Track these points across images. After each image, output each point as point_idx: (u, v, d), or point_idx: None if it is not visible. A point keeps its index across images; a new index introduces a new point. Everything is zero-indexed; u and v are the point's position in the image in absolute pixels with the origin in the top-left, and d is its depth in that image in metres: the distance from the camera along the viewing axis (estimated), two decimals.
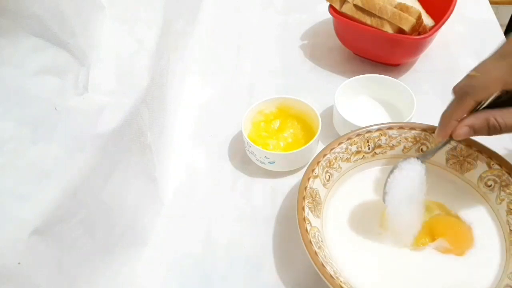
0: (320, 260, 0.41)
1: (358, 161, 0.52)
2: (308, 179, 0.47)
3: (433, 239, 0.46)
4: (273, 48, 0.74)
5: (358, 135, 0.51)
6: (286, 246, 0.50)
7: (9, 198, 0.32)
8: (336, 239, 0.46)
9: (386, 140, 0.52)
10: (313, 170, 0.48)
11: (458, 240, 0.46)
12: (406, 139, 0.51)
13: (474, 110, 0.42)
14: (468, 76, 0.42)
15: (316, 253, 0.41)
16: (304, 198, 0.45)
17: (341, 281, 0.40)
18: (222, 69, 0.72)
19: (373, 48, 0.66)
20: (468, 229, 0.47)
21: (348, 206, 0.49)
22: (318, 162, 0.49)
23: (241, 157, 0.59)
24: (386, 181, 0.45)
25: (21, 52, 0.34)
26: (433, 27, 0.63)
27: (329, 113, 0.61)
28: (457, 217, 0.47)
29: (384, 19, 0.61)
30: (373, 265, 0.45)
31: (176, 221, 0.53)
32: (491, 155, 0.48)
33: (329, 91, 0.59)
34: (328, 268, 0.40)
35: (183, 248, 0.51)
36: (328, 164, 0.49)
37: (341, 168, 0.51)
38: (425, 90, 0.64)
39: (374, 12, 0.61)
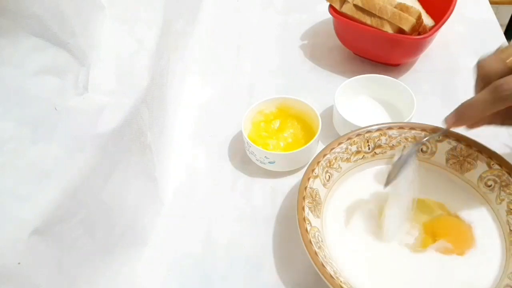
0: (320, 260, 0.41)
1: (358, 161, 0.52)
2: (308, 179, 0.47)
3: (434, 240, 0.46)
4: (273, 48, 0.74)
5: (358, 135, 0.51)
6: (286, 246, 0.50)
7: (9, 198, 0.32)
8: (336, 239, 0.46)
9: (386, 140, 0.52)
10: (313, 170, 0.48)
11: (459, 240, 0.46)
12: (406, 139, 0.51)
13: None
14: None
15: (316, 253, 0.41)
16: (304, 198, 0.45)
17: (341, 281, 0.40)
18: (222, 69, 0.72)
19: (373, 48, 0.66)
20: (468, 228, 0.47)
21: (348, 206, 0.49)
22: (318, 162, 0.49)
23: (241, 157, 0.59)
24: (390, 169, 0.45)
25: (21, 52, 0.34)
26: (433, 27, 0.63)
27: (329, 113, 0.61)
28: (457, 217, 0.47)
29: (384, 19, 0.61)
30: (373, 265, 0.45)
31: (176, 221, 0.53)
32: (491, 155, 0.48)
33: (329, 91, 0.59)
34: (328, 268, 0.40)
35: (183, 248, 0.51)
36: (328, 164, 0.49)
37: (341, 168, 0.51)
38: (425, 90, 0.64)
39: (374, 12, 0.61)
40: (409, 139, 0.51)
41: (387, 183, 0.45)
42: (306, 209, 0.45)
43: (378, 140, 0.51)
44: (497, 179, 0.47)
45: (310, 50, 0.73)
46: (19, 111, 0.34)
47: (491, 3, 0.78)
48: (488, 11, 0.76)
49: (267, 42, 0.76)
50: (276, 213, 0.53)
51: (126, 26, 0.46)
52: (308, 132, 0.57)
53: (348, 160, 0.51)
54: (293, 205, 0.46)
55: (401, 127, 0.51)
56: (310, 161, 0.49)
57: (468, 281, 0.43)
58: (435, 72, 0.67)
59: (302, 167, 0.56)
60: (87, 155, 0.38)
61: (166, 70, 0.56)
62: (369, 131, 0.51)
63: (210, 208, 0.54)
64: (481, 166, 0.48)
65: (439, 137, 0.46)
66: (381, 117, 0.60)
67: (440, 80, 0.66)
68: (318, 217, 0.46)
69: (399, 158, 0.46)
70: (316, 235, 0.44)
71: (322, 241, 0.44)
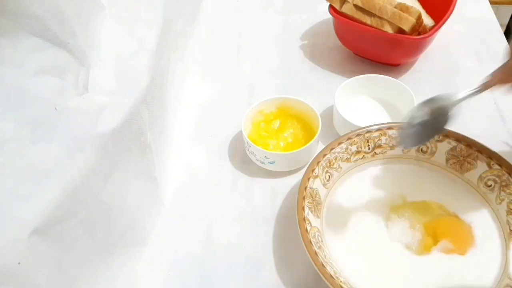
0: (320, 260, 0.41)
1: (358, 161, 0.52)
2: (308, 179, 0.47)
3: (435, 239, 0.46)
4: (273, 48, 0.74)
5: (358, 135, 0.51)
6: (286, 246, 0.50)
7: (9, 198, 0.32)
8: (336, 239, 0.46)
9: (386, 140, 0.52)
10: (313, 170, 0.48)
11: (460, 240, 0.46)
12: None
13: None
14: None
15: (316, 253, 0.41)
16: (304, 198, 0.45)
17: (341, 281, 0.40)
18: (222, 69, 0.72)
19: (373, 48, 0.66)
20: (468, 228, 0.47)
21: (348, 206, 0.49)
22: (318, 162, 0.49)
23: (241, 157, 0.59)
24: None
25: (21, 52, 0.34)
26: (433, 27, 0.63)
27: (329, 113, 0.61)
28: (457, 217, 0.47)
29: (384, 19, 0.61)
30: (373, 265, 0.45)
31: (176, 221, 0.53)
32: (491, 155, 0.48)
33: (329, 91, 0.59)
34: (328, 268, 0.40)
35: (183, 248, 0.51)
36: (328, 164, 0.49)
37: (341, 168, 0.51)
38: (425, 90, 0.64)
39: (374, 12, 0.61)
40: None
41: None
42: (306, 209, 0.45)
43: (378, 140, 0.51)
44: (497, 179, 0.47)
45: (310, 50, 0.73)
46: (19, 111, 0.34)
47: (491, 3, 0.78)
48: (488, 11, 0.76)
49: (267, 42, 0.76)
50: (276, 213, 0.53)
51: (126, 26, 0.46)
52: (308, 132, 0.57)
53: (348, 160, 0.51)
54: (293, 205, 0.46)
55: (401, 127, 0.51)
56: (310, 161, 0.49)
57: (468, 281, 0.43)
58: (435, 72, 0.67)
59: (302, 167, 0.56)
60: (87, 155, 0.38)
61: (166, 70, 0.56)
62: (369, 131, 0.51)
63: (210, 208, 0.54)
64: (481, 166, 0.48)
65: (479, 90, 0.42)
66: (381, 117, 0.59)
67: (440, 80, 0.66)
68: (318, 217, 0.46)
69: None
70: (316, 235, 0.44)
71: (322, 241, 0.44)
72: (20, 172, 0.33)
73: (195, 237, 0.52)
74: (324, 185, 0.49)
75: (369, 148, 0.52)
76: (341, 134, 0.52)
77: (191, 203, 0.55)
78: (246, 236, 0.52)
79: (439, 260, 0.45)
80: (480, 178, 0.48)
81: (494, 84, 0.41)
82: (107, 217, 0.43)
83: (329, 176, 0.49)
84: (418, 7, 0.66)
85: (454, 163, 0.50)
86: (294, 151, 0.53)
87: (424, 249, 0.45)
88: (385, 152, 0.52)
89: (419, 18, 0.60)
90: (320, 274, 0.40)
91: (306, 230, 0.43)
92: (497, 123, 0.60)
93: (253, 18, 0.80)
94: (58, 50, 0.37)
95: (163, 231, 0.52)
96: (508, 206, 0.46)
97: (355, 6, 0.63)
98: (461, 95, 0.42)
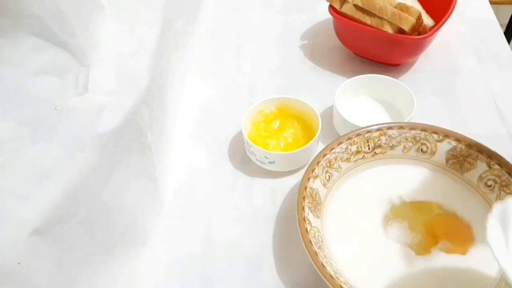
0: (320, 260, 0.41)
1: (358, 161, 0.52)
2: (308, 179, 0.47)
3: (434, 239, 0.46)
4: (273, 48, 0.74)
5: (358, 135, 0.51)
6: (286, 246, 0.50)
7: (9, 198, 0.32)
8: (336, 239, 0.46)
9: (386, 140, 0.52)
10: (313, 170, 0.48)
11: (459, 239, 0.46)
12: (406, 139, 0.51)
13: None
14: None
15: (316, 253, 0.41)
16: (304, 198, 0.45)
17: (341, 281, 0.40)
18: (222, 69, 0.72)
19: (373, 48, 0.66)
20: (467, 227, 0.47)
21: (348, 206, 0.49)
22: (318, 162, 0.49)
23: (241, 157, 0.59)
24: None
25: (21, 52, 0.34)
26: (433, 27, 0.63)
27: (329, 113, 0.61)
28: (457, 217, 0.47)
29: (384, 19, 0.61)
30: (373, 265, 0.45)
31: (176, 221, 0.53)
32: (491, 155, 0.48)
33: (329, 91, 0.59)
34: (328, 268, 0.40)
35: (183, 248, 0.51)
36: (328, 164, 0.49)
37: (341, 168, 0.51)
38: (425, 90, 0.64)
39: (374, 12, 0.61)
40: (409, 139, 0.51)
41: None
42: (306, 209, 0.45)
43: (378, 140, 0.52)
44: (497, 179, 0.47)
45: (310, 50, 0.73)
46: (19, 111, 0.34)
47: (491, 3, 0.78)
48: (488, 11, 0.76)
49: (267, 42, 0.76)
50: (276, 213, 0.53)
51: (126, 26, 0.46)
52: (308, 132, 0.57)
53: (348, 160, 0.51)
54: (293, 205, 0.46)
55: (401, 127, 0.51)
56: (310, 161, 0.49)
57: (469, 281, 0.43)
58: (435, 72, 0.67)
59: (302, 167, 0.56)
60: (87, 155, 0.38)
61: (166, 70, 0.56)
62: (369, 131, 0.51)
63: (210, 208, 0.54)
64: (481, 166, 0.48)
65: None
66: (381, 117, 0.60)
67: (440, 80, 0.66)
68: (318, 217, 0.46)
69: None
70: (316, 235, 0.44)
71: (322, 241, 0.44)
72: (20, 172, 0.33)
73: (195, 237, 0.52)
74: (324, 185, 0.49)
75: (369, 148, 0.52)
76: (341, 134, 0.52)
77: (191, 203, 0.55)
78: (246, 236, 0.52)
79: (439, 260, 0.45)
80: (480, 178, 0.48)
81: None
82: (107, 217, 0.43)
83: (329, 176, 0.49)
84: (418, 7, 0.66)
85: (454, 163, 0.50)
86: (294, 151, 0.53)
87: (424, 249, 0.45)
88: (385, 152, 0.52)
89: (419, 18, 0.60)
90: (320, 274, 0.40)
91: (306, 230, 0.43)
92: (497, 123, 0.60)
93: (253, 18, 0.80)
94: (58, 50, 0.37)
95: (163, 231, 0.52)
96: None
97: (355, 6, 0.63)
98: None
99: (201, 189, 0.56)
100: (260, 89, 0.68)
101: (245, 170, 0.58)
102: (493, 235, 0.33)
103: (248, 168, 0.58)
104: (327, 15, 0.66)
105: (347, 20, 0.64)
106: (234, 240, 0.51)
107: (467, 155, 0.49)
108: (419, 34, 0.62)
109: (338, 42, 0.69)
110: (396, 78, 0.60)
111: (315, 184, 0.48)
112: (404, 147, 0.52)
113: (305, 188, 0.46)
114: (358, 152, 0.51)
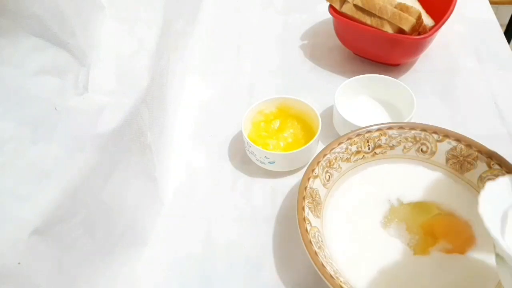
0: (320, 260, 0.41)
1: (358, 161, 0.52)
2: (308, 179, 0.47)
3: (434, 239, 0.46)
4: (273, 48, 0.74)
5: (358, 135, 0.51)
6: (286, 246, 0.50)
7: (9, 198, 0.32)
8: (336, 239, 0.46)
9: (386, 140, 0.52)
10: (313, 170, 0.48)
11: (459, 239, 0.46)
12: (406, 139, 0.51)
13: None
14: None
15: (316, 253, 0.41)
16: (304, 198, 0.45)
17: (341, 281, 0.40)
18: (222, 69, 0.72)
19: (373, 48, 0.66)
20: (466, 227, 0.47)
21: (348, 206, 0.49)
22: (318, 162, 0.49)
23: (241, 157, 0.59)
24: None
25: (21, 52, 0.34)
26: (433, 27, 0.63)
27: (329, 113, 0.61)
28: (456, 217, 0.47)
29: (384, 19, 0.61)
30: (373, 264, 0.45)
31: (176, 221, 0.53)
32: (491, 155, 0.48)
33: (329, 91, 0.59)
34: (328, 268, 0.40)
35: (183, 248, 0.51)
36: (328, 164, 0.49)
37: (341, 168, 0.51)
38: (425, 90, 0.64)
39: (374, 12, 0.61)
40: (409, 139, 0.51)
41: None
42: (306, 209, 0.45)
43: (378, 140, 0.52)
44: None
45: (310, 50, 0.73)
46: (19, 111, 0.34)
47: (491, 3, 0.78)
48: (488, 11, 0.76)
49: (267, 42, 0.76)
50: (276, 213, 0.53)
51: (126, 26, 0.46)
52: (308, 132, 0.57)
53: (348, 160, 0.51)
54: (293, 205, 0.46)
55: (401, 127, 0.51)
56: (310, 161, 0.49)
57: (468, 280, 0.43)
58: (435, 72, 0.67)
59: (302, 167, 0.56)
60: (87, 155, 0.38)
61: (166, 70, 0.56)
62: (369, 131, 0.51)
63: (210, 208, 0.54)
64: (481, 166, 0.48)
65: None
66: (381, 117, 0.60)
67: (440, 80, 0.66)
68: (318, 217, 0.46)
69: None
70: (316, 235, 0.44)
71: (322, 241, 0.44)
72: (20, 172, 0.33)
73: (195, 237, 0.52)
74: (324, 185, 0.49)
75: (369, 148, 0.52)
76: (341, 134, 0.52)
77: (191, 203, 0.55)
78: (246, 236, 0.52)
79: (439, 260, 0.45)
80: (480, 178, 0.48)
81: None
82: (107, 217, 0.43)
83: (329, 176, 0.49)
84: (418, 7, 0.66)
85: (454, 163, 0.50)
86: (294, 151, 0.53)
87: (424, 249, 0.45)
88: (385, 152, 0.52)
89: (419, 18, 0.60)
90: (320, 274, 0.40)
91: (306, 230, 0.43)
92: (497, 123, 0.60)
93: (253, 18, 0.80)
94: (58, 50, 0.37)
95: (163, 231, 0.52)
96: None
97: (355, 6, 0.63)
98: None
99: (201, 189, 0.56)
100: (260, 89, 0.68)
101: (245, 170, 0.58)
102: (484, 208, 0.35)
103: (248, 168, 0.58)
104: (327, 15, 0.66)
105: (347, 20, 0.64)
106: (234, 240, 0.51)
107: (467, 155, 0.49)
108: (419, 34, 0.62)
109: (338, 42, 0.69)
110: (396, 78, 0.60)
111: (315, 184, 0.48)
112: (404, 147, 0.52)
113: (305, 188, 0.46)
114: (358, 152, 0.51)
